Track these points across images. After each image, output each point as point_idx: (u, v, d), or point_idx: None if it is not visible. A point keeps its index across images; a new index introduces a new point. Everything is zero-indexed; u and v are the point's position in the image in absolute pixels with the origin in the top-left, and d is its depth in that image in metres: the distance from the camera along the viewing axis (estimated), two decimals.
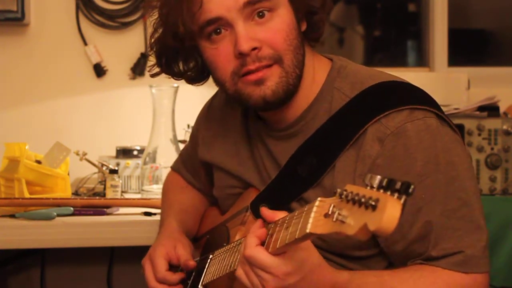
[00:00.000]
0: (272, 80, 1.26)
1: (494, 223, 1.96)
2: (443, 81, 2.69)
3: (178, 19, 1.25)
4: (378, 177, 0.91)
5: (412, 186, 0.89)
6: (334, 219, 0.94)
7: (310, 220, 1.00)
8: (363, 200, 0.90)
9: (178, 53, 1.34)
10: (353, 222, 0.91)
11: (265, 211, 1.17)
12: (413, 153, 1.22)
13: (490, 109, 2.13)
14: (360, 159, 1.24)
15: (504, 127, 2.10)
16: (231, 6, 1.23)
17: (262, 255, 1.11)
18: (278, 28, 1.24)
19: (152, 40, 1.34)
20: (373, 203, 0.88)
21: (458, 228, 1.23)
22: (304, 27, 1.30)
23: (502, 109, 2.21)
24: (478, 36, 3.54)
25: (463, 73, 2.72)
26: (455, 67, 3.09)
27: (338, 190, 0.95)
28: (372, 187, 0.91)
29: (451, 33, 3.10)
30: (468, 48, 3.40)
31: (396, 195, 0.89)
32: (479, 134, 2.09)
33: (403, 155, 1.22)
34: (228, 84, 1.29)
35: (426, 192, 1.22)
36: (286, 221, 1.09)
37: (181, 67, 1.37)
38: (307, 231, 0.99)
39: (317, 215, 1.00)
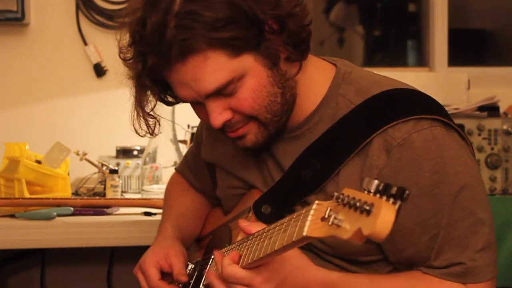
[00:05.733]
0: (252, 133, 1.30)
1: (494, 223, 1.96)
2: (443, 81, 2.68)
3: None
4: (376, 181, 0.91)
5: (407, 192, 0.89)
6: (330, 223, 0.94)
7: (307, 223, 1.00)
8: (358, 204, 0.90)
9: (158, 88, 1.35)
10: (348, 226, 0.91)
11: (242, 223, 1.23)
12: (419, 164, 1.22)
13: (490, 109, 2.13)
14: (366, 169, 1.24)
15: (504, 127, 2.10)
16: (197, 96, 1.26)
17: (237, 271, 1.17)
18: (245, 96, 1.24)
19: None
20: (367, 207, 0.88)
21: (462, 238, 1.23)
22: (285, 54, 1.27)
23: (502, 109, 2.21)
24: (478, 36, 3.54)
25: (463, 73, 2.72)
26: (455, 67, 3.10)
27: (335, 194, 0.96)
28: (369, 191, 0.91)
29: (451, 33, 3.10)
30: (468, 48, 3.41)
31: (391, 200, 0.89)
32: (479, 134, 2.09)
33: (410, 166, 1.22)
34: None
35: (433, 203, 1.22)
36: (285, 223, 1.10)
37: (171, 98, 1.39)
38: (304, 234, 1.00)
39: (314, 218, 1.00)
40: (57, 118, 2.73)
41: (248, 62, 1.23)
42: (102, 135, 2.71)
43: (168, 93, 1.35)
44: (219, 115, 1.26)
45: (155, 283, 1.44)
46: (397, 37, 3.55)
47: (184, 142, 2.50)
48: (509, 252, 1.95)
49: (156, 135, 1.37)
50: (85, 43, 2.72)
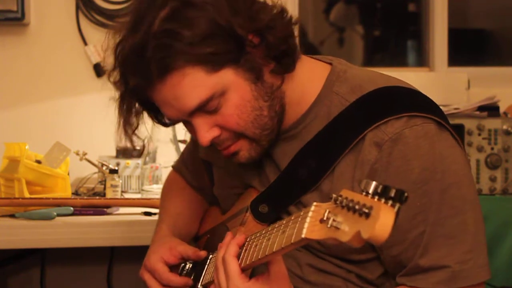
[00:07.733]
0: (244, 150, 1.29)
1: (494, 223, 1.96)
2: (443, 81, 2.69)
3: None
4: (374, 183, 0.90)
5: (405, 194, 0.88)
6: (329, 225, 0.94)
7: (306, 225, 1.00)
8: (357, 207, 0.89)
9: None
10: (347, 228, 0.91)
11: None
12: (410, 160, 1.21)
13: (490, 109, 2.13)
14: (358, 165, 1.24)
15: (504, 127, 2.10)
16: (180, 115, 1.26)
17: (235, 265, 1.16)
18: (229, 112, 1.24)
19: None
20: (366, 210, 0.88)
21: (450, 236, 1.22)
22: (269, 67, 1.25)
23: (502, 109, 2.20)
24: (478, 36, 3.55)
25: (463, 73, 2.73)
26: (455, 67, 3.10)
27: (334, 196, 0.95)
28: (367, 193, 0.90)
29: (451, 33, 3.10)
30: (468, 48, 3.41)
31: (390, 202, 0.88)
32: (479, 134, 2.09)
33: (400, 162, 1.22)
34: None
35: (422, 199, 1.21)
36: (283, 225, 1.09)
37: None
38: (303, 236, 0.99)
39: (313, 220, 1.00)
40: (57, 118, 2.73)
41: (228, 76, 1.22)
42: (102, 135, 2.70)
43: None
44: (207, 132, 1.26)
45: (165, 276, 1.44)
46: (397, 37, 3.55)
47: (184, 142, 2.50)
48: (509, 252, 1.95)
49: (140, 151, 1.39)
50: (85, 43, 2.72)
